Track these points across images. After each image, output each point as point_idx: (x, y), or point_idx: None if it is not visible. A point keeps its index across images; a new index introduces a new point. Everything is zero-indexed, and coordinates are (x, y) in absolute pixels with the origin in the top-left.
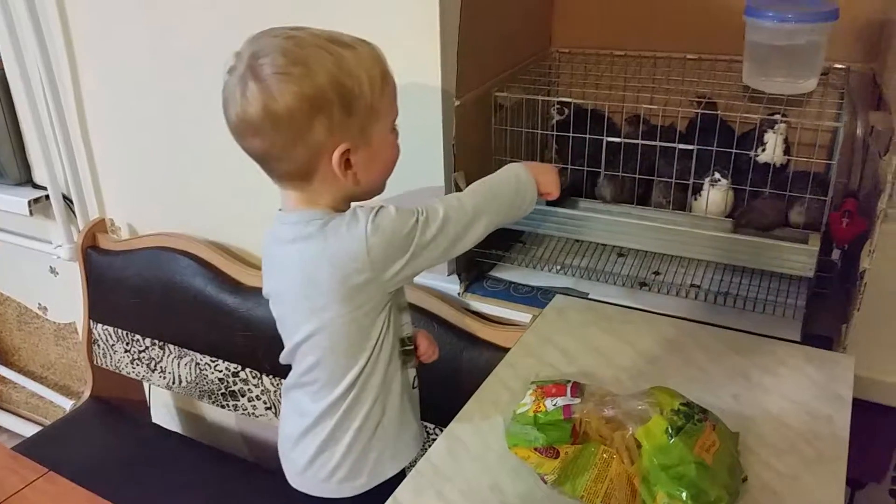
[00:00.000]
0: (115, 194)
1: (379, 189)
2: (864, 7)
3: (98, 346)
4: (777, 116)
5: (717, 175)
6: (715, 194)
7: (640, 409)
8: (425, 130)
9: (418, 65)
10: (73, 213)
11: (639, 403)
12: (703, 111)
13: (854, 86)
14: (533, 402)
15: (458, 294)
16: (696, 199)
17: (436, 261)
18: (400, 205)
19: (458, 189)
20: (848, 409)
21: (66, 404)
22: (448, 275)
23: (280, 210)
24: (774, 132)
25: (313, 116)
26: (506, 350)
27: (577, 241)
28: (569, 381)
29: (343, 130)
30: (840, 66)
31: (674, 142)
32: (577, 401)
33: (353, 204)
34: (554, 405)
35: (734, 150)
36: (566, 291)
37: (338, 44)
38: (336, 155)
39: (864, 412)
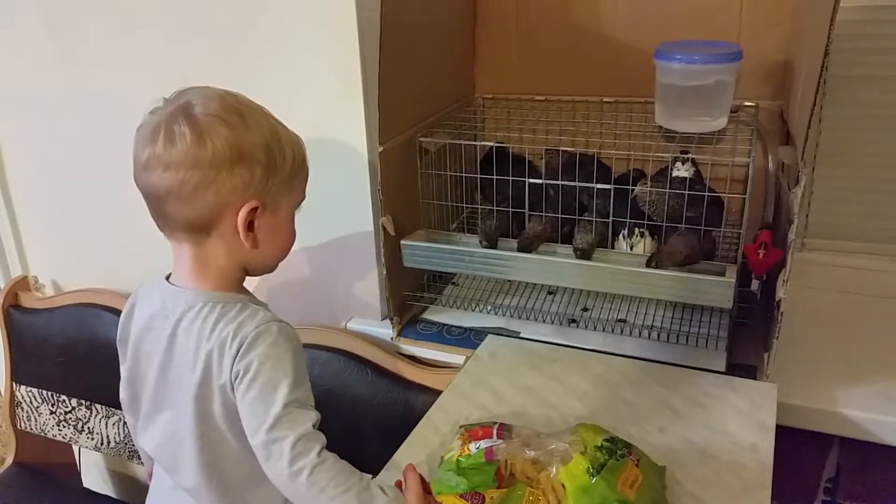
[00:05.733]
0: (39, 250)
1: (271, 267)
2: (769, 48)
3: (21, 408)
4: (679, 154)
5: (636, 233)
6: (641, 247)
7: (562, 448)
8: (352, 176)
9: (342, 112)
10: None
11: (561, 443)
12: (617, 152)
13: (764, 122)
14: (459, 446)
15: (392, 339)
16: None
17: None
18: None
19: (387, 233)
20: (771, 436)
21: None
22: (381, 320)
23: (169, 278)
24: (677, 170)
25: (236, 166)
26: (440, 393)
27: (508, 280)
28: (496, 423)
29: (258, 190)
30: (750, 104)
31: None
32: (501, 442)
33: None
34: (477, 448)
35: (650, 189)
36: (498, 331)
37: (272, 117)
38: (244, 211)
39: (791, 439)
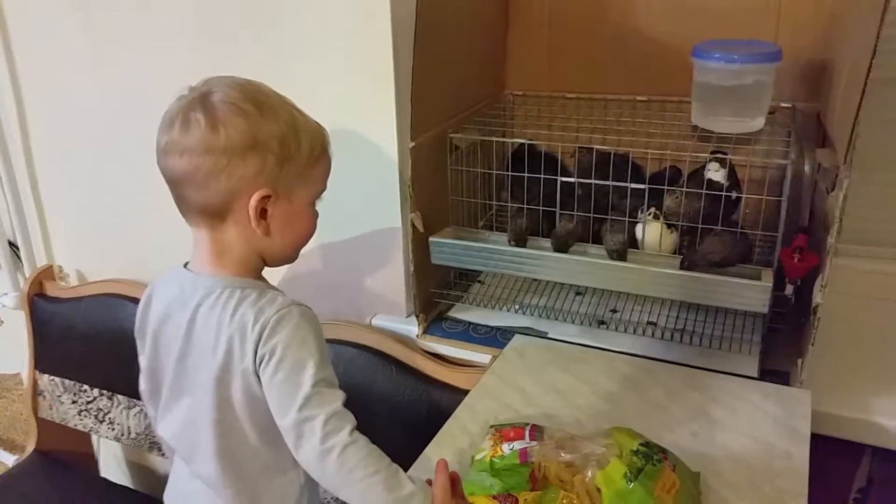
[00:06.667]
0: (64, 240)
1: (289, 257)
2: (807, 49)
3: (44, 397)
4: (717, 154)
5: (651, 214)
6: (651, 230)
7: (598, 452)
8: (382, 172)
9: (373, 107)
10: (20, 259)
11: (597, 446)
12: (651, 151)
13: (800, 124)
14: (491, 446)
15: (417, 336)
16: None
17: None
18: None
19: (415, 229)
20: (806, 444)
21: (9, 459)
22: (406, 317)
23: (187, 266)
24: (712, 171)
25: (248, 153)
26: (466, 392)
27: (535, 279)
28: (527, 424)
29: (270, 178)
30: (786, 105)
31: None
32: (535, 444)
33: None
34: (510, 449)
35: (684, 189)
36: (525, 331)
37: (293, 106)
38: (255, 198)
39: (821, 447)
